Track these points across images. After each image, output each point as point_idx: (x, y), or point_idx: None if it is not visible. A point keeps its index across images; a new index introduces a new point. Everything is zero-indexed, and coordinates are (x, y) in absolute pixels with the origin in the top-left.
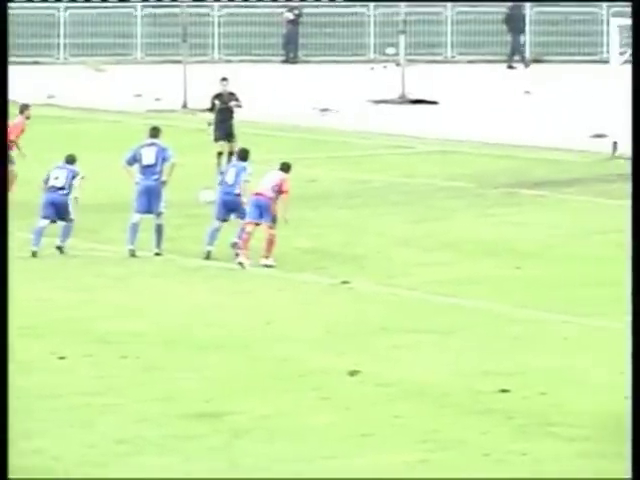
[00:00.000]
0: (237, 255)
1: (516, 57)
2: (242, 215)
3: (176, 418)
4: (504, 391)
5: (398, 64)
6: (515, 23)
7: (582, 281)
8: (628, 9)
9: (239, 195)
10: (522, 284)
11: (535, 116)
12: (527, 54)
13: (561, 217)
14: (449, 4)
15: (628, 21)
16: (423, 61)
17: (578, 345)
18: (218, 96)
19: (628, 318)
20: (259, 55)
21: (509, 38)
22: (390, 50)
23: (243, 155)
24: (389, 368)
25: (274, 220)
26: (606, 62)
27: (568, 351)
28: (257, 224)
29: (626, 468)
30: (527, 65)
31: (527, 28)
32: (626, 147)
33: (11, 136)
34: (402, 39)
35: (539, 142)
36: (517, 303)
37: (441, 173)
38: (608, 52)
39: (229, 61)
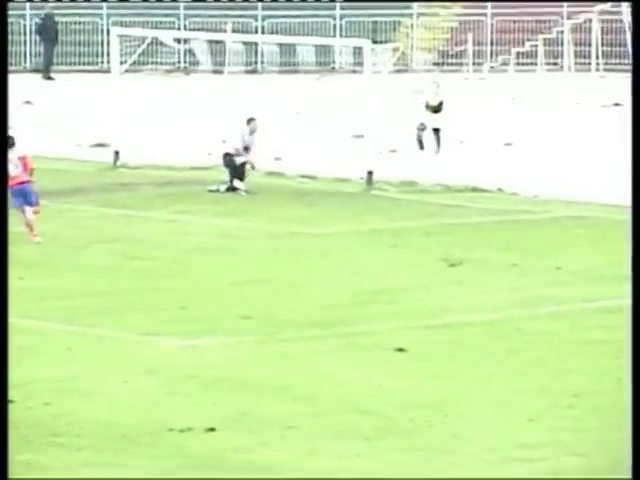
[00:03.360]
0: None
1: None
2: None
3: None
4: (10, 402)
5: None
6: (48, 33)
7: (84, 290)
8: (127, 18)
9: None
10: (25, 294)
11: (38, 126)
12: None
13: (64, 227)
14: None
15: (127, 30)
16: None
17: (81, 355)
18: None
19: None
20: None
21: (42, 48)
22: None
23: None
24: None
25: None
26: (107, 72)
27: (72, 361)
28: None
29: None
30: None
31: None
32: (127, 156)
33: None
34: None
35: (47, 152)
36: (21, 314)
37: None
38: (109, 62)
39: None
